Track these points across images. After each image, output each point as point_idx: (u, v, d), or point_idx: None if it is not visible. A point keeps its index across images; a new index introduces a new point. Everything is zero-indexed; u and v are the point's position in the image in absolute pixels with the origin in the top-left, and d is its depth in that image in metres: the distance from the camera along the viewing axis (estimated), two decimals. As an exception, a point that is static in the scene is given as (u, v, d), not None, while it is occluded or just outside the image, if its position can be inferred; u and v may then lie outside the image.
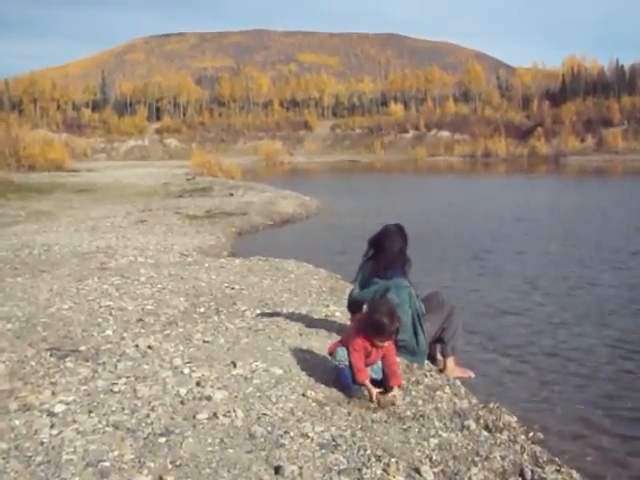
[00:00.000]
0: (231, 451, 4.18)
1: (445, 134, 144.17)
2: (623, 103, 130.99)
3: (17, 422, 4.42)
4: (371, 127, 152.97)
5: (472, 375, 6.80)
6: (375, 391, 5.35)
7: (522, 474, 4.42)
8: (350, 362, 5.33)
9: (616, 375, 7.04)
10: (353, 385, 5.41)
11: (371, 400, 5.30)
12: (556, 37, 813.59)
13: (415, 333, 6.42)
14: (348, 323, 6.97)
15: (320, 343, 6.46)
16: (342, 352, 5.40)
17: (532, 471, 4.43)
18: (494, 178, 62.25)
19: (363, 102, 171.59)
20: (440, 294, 7.01)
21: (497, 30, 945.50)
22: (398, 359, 5.88)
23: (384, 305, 5.57)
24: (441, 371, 6.66)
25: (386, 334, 5.32)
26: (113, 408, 4.67)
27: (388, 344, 5.42)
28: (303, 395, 5.16)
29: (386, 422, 4.90)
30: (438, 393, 5.74)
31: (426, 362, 6.65)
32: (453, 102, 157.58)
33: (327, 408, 4.98)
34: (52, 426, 4.36)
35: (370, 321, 5.36)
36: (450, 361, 6.75)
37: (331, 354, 5.58)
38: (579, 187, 46.04)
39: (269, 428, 4.50)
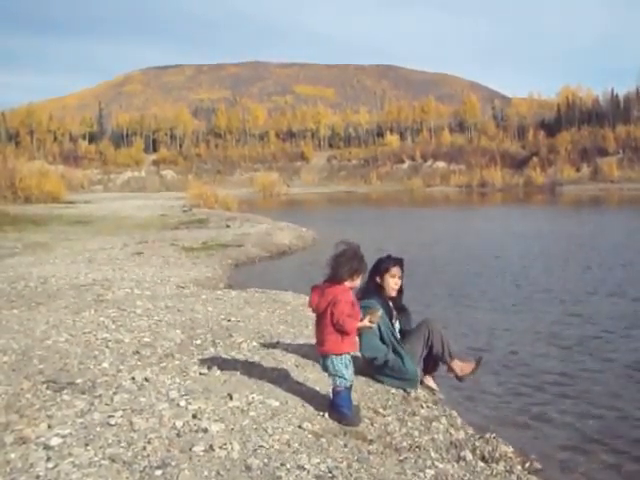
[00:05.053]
0: (227, 484, 4.17)
1: (441, 164, 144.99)
2: (618, 132, 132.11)
3: (13, 455, 4.40)
4: (367, 158, 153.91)
5: (481, 357, 7.07)
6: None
7: (519, 505, 4.42)
8: (341, 321, 5.28)
9: (614, 405, 7.03)
10: (349, 412, 5.41)
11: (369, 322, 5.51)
12: (551, 67, 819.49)
13: (399, 357, 6.53)
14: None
15: (316, 375, 6.45)
16: (339, 364, 5.40)
17: (529, 502, 4.43)
18: (489, 209, 62.37)
19: (359, 133, 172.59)
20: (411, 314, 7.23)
21: (492, 61, 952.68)
22: (401, 390, 5.92)
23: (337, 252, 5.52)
24: (458, 379, 6.91)
25: (352, 265, 5.35)
26: (109, 441, 4.65)
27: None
28: (299, 427, 5.15)
29: (382, 453, 4.89)
30: (434, 424, 5.74)
31: (423, 394, 6.66)
32: (449, 132, 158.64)
33: (323, 440, 4.97)
34: (48, 459, 4.33)
35: (341, 264, 5.35)
36: (456, 364, 6.85)
37: (324, 356, 5.55)
38: (574, 218, 46.12)
39: (265, 460, 4.48)
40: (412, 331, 6.91)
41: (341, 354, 5.37)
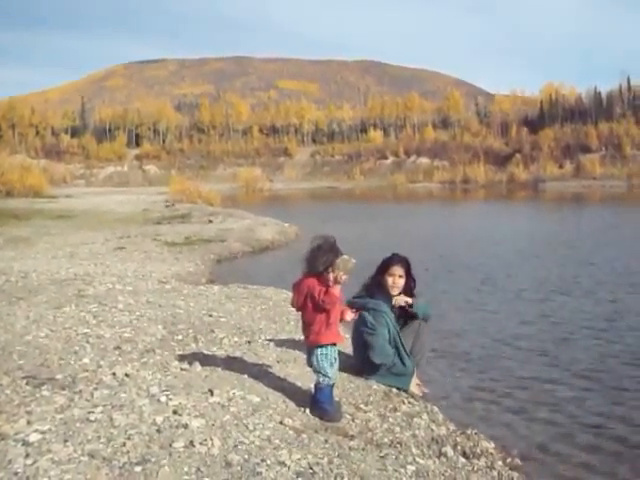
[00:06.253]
0: (207, 480, 4.16)
1: (424, 160, 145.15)
2: (600, 129, 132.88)
3: (-9, 452, 4.37)
4: (350, 154, 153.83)
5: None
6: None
7: (499, 501, 4.43)
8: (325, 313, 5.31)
9: (595, 402, 7.06)
10: (330, 408, 5.41)
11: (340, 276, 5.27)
12: (534, 64, 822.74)
13: (400, 357, 6.54)
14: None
15: (298, 370, 6.45)
16: (323, 360, 5.40)
17: (509, 498, 4.43)
18: (471, 205, 62.56)
19: (343, 129, 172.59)
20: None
21: (476, 57, 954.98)
22: (382, 386, 5.92)
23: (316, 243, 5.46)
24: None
25: (327, 258, 5.29)
26: (89, 437, 4.62)
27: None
28: (280, 423, 5.14)
29: (363, 449, 4.89)
30: (416, 420, 5.74)
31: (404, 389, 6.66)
32: (432, 129, 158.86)
33: (304, 436, 4.96)
34: (27, 455, 4.30)
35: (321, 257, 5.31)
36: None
37: (310, 350, 5.53)
38: (555, 215, 46.32)
39: (246, 456, 4.47)
40: (405, 325, 6.90)
41: (326, 345, 5.36)
